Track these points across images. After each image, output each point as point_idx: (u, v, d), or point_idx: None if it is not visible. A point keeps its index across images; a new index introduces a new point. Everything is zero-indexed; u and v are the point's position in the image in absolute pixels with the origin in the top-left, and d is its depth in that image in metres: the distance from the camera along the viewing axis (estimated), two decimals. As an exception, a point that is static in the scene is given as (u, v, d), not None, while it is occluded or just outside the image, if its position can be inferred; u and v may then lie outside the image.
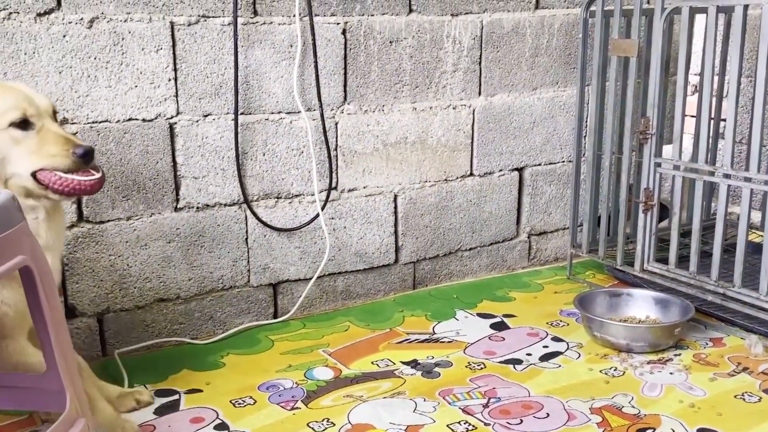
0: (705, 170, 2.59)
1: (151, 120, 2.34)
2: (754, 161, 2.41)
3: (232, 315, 2.61)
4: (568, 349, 2.47)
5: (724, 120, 2.59)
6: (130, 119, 2.31)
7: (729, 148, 2.49)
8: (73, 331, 2.31)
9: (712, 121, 2.70)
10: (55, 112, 1.81)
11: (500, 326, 2.65)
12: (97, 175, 1.75)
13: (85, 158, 1.73)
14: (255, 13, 2.44)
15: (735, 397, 2.14)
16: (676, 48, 2.74)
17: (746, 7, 2.37)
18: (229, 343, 2.53)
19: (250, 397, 2.18)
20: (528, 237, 3.19)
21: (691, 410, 2.08)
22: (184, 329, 2.53)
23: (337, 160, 2.68)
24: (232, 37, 2.38)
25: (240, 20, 2.40)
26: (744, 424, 2.00)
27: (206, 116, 2.43)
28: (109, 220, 2.34)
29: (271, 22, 2.47)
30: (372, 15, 2.63)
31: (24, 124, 1.73)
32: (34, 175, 1.72)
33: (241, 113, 2.47)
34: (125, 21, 2.24)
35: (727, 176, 2.51)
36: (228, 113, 2.45)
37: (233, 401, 2.16)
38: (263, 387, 2.24)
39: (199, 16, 2.35)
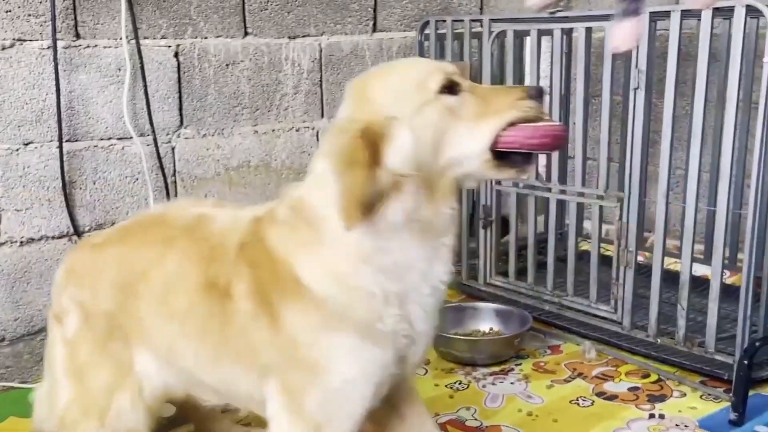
0: (542, 186, 2.70)
1: (-37, 150, 2.18)
2: (578, 175, 2.54)
3: (65, 354, 2.46)
4: (416, 366, 2.49)
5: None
6: (-62, 150, 2.14)
7: (556, 164, 2.62)
8: None
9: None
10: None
11: (351, 347, 2.64)
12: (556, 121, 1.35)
13: (542, 96, 1.35)
14: (77, 36, 2.33)
15: (570, 402, 2.23)
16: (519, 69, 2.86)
17: (589, 29, 2.50)
18: (63, 384, 2.37)
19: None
20: (379, 256, 3.21)
21: (530, 418, 2.14)
22: (11, 373, 2.36)
23: (176, 186, 2.60)
24: (53, 61, 2.26)
25: (61, 44, 2.29)
26: (578, 429, 2.08)
27: (27, 144, 2.29)
28: None
29: (96, 45, 2.36)
30: (206, 38, 2.58)
31: (451, 86, 1.33)
32: (493, 146, 1.32)
33: (67, 140, 2.35)
34: (-72, 44, 2.08)
35: (562, 191, 2.63)
36: (52, 141, 2.32)
37: (63, 447, 2.02)
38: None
39: (14, 39, 2.22)
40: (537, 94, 1.34)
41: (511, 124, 1.33)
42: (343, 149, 1.30)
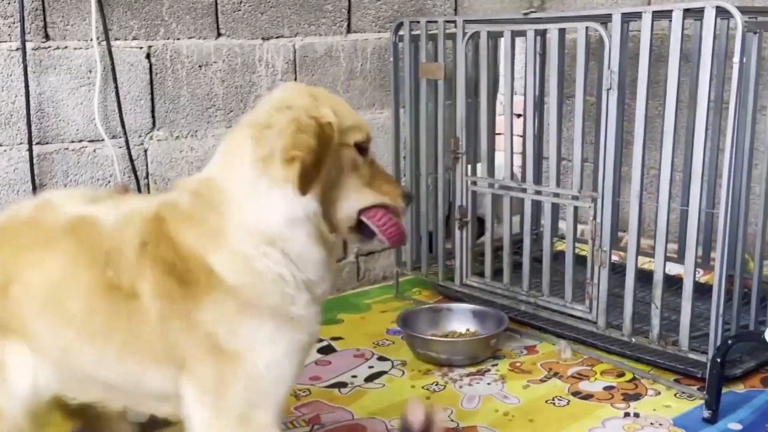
0: (517, 187, 2.71)
1: (-71, 153, 2.14)
2: (552, 176, 2.55)
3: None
4: (392, 367, 2.48)
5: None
6: None
7: (530, 164, 2.63)
8: None
9: (521, 139, 2.84)
10: None
11: (327, 350, 2.63)
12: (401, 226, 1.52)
13: (409, 203, 1.54)
14: (47, 37, 2.29)
15: (546, 402, 2.24)
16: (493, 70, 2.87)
17: (562, 30, 2.51)
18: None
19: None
20: (356, 258, 3.20)
21: (506, 419, 2.14)
22: None
23: (149, 188, 2.57)
24: (21, 63, 2.23)
25: (30, 45, 2.25)
26: (554, 428, 2.09)
27: (-4, 147, 2.26)
28: None
29: (66, 47, 2.33)
30: (178, 39, 2.55)
31: (364, 149, 1.49)
32: (359, 213, 1.49)
33: (37, 143, 2.31)
34: None
35: (537, 192, 2.64)
36: (21, 143, 2.29)
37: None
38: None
39: (-19, 40, 2.19)
40: (409, 199, 1.56)
41: (384, 207, 1.51)
42: (315, 127, 1.42)
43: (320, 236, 1.48)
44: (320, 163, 1.42)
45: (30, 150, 2.29)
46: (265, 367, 1.45)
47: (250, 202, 1.45)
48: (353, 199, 1.50)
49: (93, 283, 1.48)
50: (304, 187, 1.41)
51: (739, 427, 2.07)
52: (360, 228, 1.53)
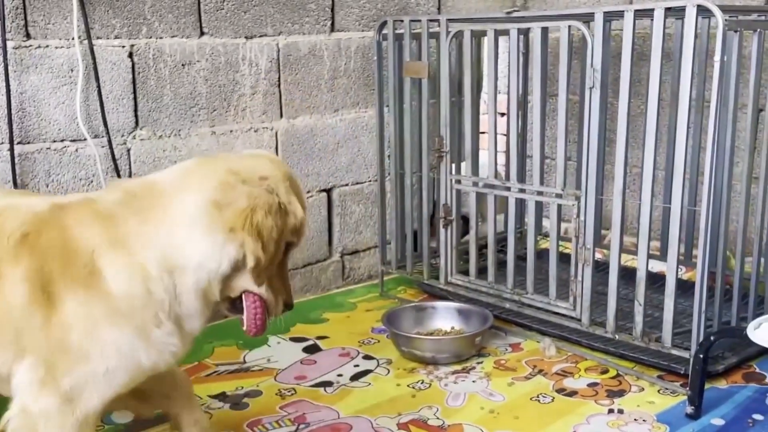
0: (501, 186, 2.72)
1: None
2: (536, 174, 2.56)
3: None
4: (378, 366, 2.48)
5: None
6: None
7: (514, 163, 2.64)
8: None
9: (505, 138, 2.85)
10: None
11: (313, 349, 2.63)
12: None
13: (286, 311, 1.67)
14: (28, 36, 2.27)
15: (531, 399, 2.24)
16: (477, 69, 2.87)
17: (545, 29, 2.52)
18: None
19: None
20: (341, 256, 3.20)
21: (491, 416, 2.15)
22: None
23: (132, 189, 2.55)
24: (2, 62, 2.21)
25: (11, 44, 2.23)
26: (539, 425, 2.10)
27: (-24, 147, 2.23)
28: None
29: (47, 46, 2.31)
30: (161, 38, 2.54)
31: (289, 249, 1.62)
32: (242, 293, 1.61)
33: (19, 142, 2.29)
34: None
35: (521, 190, 2.65)
36: (3, 143, 2.27)
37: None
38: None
39: (-39, 38, 2.16)
40: (290, 307, 1.68)
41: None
42: (282, 219, 1.57)
43: (206, 293, 1.57)
44: (272, 252, 1.55)
45: (11, 150, 2.27)
46: (105, 372, 1.52)
47: (181, 227, 1.52)
48: (250, 281, 1.59)
49: None
50: (259, 277, 1.57)
51: (722, 422, 2.09)
52: (234, 301, 1.64)
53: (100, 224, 1.51)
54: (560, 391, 2.29)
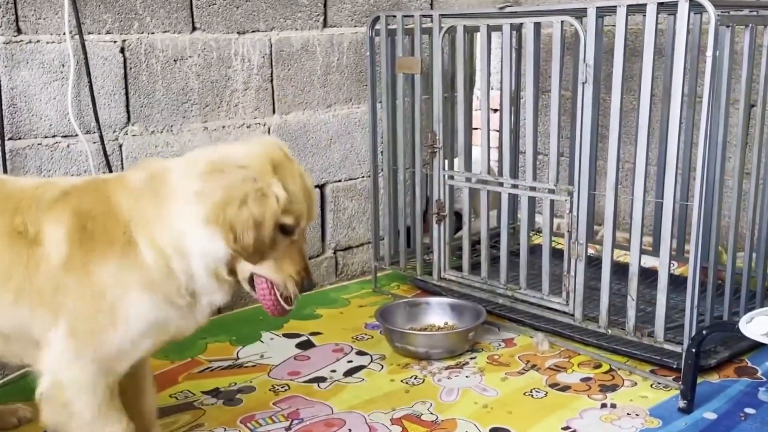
0: (494, 181, 2.72)
1: None
2: (529, 170, 2.56)
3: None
4: (371, 362, 2.49)
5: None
6: None
7: (507, 158, 2.64)
8: None
9: (498, 133, 2.85)
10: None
11: (306, 345, 2.63)
12: (290, 309, 1.69)
13: (307, 290, 1.69)
14: (18, 31, 2.26)
15: (524, 394, 2.25)
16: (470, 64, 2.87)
17: (538, 24, 2.52)
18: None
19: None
20: (334, 253, 3.20)
21: (485, 411, 2.16)
22: None
23: (124, 185, 2.54)
24: (-7, 57, 2.20)
25: (1, 39, 2.22)
26: (532, 420, 2.11)
27: (-33, 143, 2.22)
28: None
29: (38, 41, 2.30)
30: (152, 33, 2.53)
31: (290, 230, 1.64)
32: (252, 274, 1.66)
33: (10, 138, 2.28)
34: None
35: (514, 186, 2.65)
36: (-7, 139, 2.25)
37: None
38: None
39: (-49, 33, 2.15)
40: (309, 286, 1.69)
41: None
42: (264, 206, 1.58)
43: (216, 274, 1.65)
44: (255, 239, 1.58)
45: (2, 145, 2.25)
46: (136, 334, 1.63)
47: (180, 216, 1.59)
48: (249, 264, 1.65)
49: None
50: (249, 261, 1.62)
51: (714, 416, 2.10)
52: (253, 282, 1.70)
53: (135, 199, 1.62)
54: (553, 385, 2.29)
